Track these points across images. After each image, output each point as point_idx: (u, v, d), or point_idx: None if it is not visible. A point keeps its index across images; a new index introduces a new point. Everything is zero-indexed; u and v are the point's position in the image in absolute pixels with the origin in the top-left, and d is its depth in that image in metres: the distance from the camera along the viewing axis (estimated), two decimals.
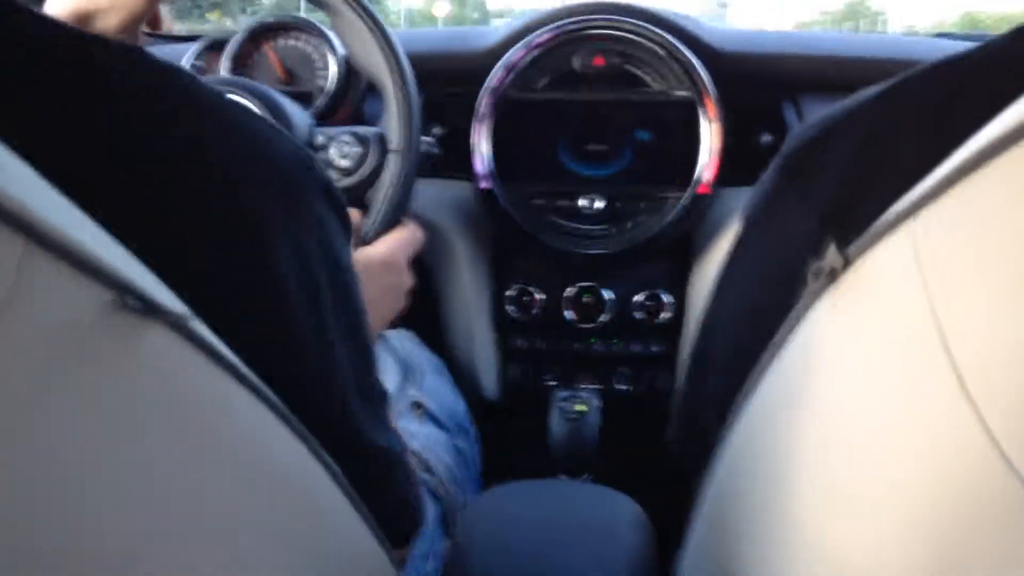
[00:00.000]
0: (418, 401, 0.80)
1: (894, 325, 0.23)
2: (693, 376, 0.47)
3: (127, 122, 0.28)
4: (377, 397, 0.42)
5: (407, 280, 0.68)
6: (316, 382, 0.34)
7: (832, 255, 0.26)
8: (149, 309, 0.20)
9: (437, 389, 0.84)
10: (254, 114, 0.35)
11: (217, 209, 0.29)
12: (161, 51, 1.00)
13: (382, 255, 0.66)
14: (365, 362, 0.40)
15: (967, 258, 0.20)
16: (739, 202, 0.90)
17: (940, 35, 1.09)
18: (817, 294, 0.28)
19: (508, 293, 0.96)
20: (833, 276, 0.26)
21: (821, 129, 0.36)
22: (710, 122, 0.86)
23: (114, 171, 0.27)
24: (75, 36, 0.28)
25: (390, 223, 0.69)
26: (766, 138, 0.90)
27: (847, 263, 0.26)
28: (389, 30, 0.69)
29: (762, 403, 0.33)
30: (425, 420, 0.78)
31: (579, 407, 0.85)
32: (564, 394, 0.88)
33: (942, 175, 0.21)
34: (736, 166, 0.89)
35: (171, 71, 0.31)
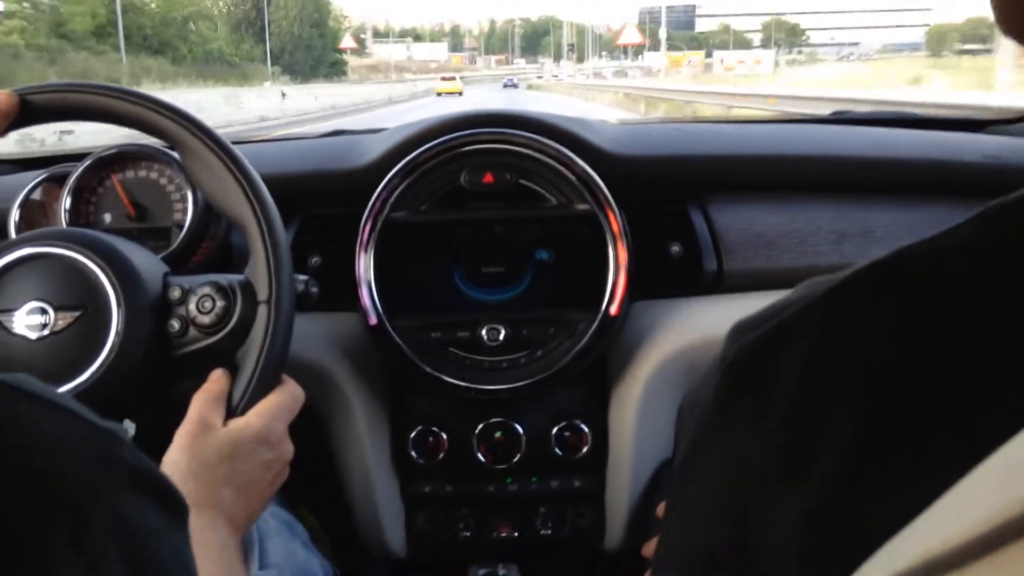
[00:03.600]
0: None
1: None
2: None
3: None
4: None
5: (287, 450, 0.78)
6: None
7: None
8: None
9: (285, 557, 0.92)
10: (26, 397, 0.36)
11: None
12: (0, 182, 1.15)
13: (256, 431, 0.75)
14: None
15: None
16: (652, 316, 1.13)
17: (836, 114, 1.37)
18: None
19: (410, 436, 1.13)
20: None
21: (766, 334, 0.40)
22: (615, 238, 1.07)
23: None
24: None
25: (264, 389, 0.78)
26: (675, 249, 1.13)
27: None
28: (245, 163, 0.81)
29: None
30: None
31: None
32: (482, 572, 1.06)
33: (991, 521, 0.22)
34: (646, 278, 1.11)
35: None
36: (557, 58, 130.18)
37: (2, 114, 0.77)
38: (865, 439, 0.33)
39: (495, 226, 1.11)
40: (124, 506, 0.36)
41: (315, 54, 71.10)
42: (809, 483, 0.34)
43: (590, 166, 1.08)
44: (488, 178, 1.10)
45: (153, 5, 52.40)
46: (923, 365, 0.33)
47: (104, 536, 0.34)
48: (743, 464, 0.38)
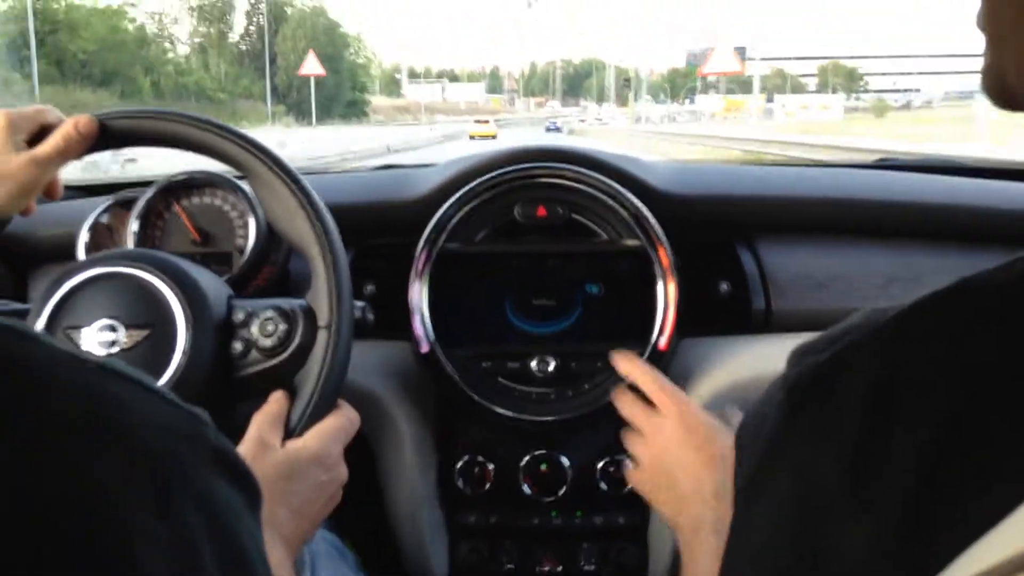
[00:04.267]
0: None
1: None
2: None
3: None
4: None
5: (342, 473, 0.85)
6: None
7: None
8: None
9: None
10: (119, 377, 0.39)
11: (60, 523, 0.33)
12: (69, 206, 1.27)
13: (313, 452, 0.82)
14: None
15: None
16: (700, 353, 1.20)
17: (882, 161, 1.45)
18: None
19: (457, 465, 1.21)
20: None
21: (830, 357, 0.43)
22: (664, 274, 1.14)
23: None
24: None
25: (322, 412, 0.85)
26: (724, 287, 1.21)
27: None
28: (312, 192, 0.90)
29: None
30: None
31: None
32: None
33: None
34: (694, 315, 1.18)
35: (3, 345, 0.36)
36: (600, 100, 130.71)
37: (83, 137, 0.88)
38: (943, 459, 0.36)
39: (547, 259, 1.19)
40: (207, 481, 0.40)
41: (327, 92, 62.82)
42: (881, 501, 0.37)
43: (641, 202, 1.16)
44: (541, 212, 1.18)
45: (92, 21, 43.59)
46: (992, 388, 0.37)
47: (188, 505, 0.37)
48: (810, 483, 0.41)
